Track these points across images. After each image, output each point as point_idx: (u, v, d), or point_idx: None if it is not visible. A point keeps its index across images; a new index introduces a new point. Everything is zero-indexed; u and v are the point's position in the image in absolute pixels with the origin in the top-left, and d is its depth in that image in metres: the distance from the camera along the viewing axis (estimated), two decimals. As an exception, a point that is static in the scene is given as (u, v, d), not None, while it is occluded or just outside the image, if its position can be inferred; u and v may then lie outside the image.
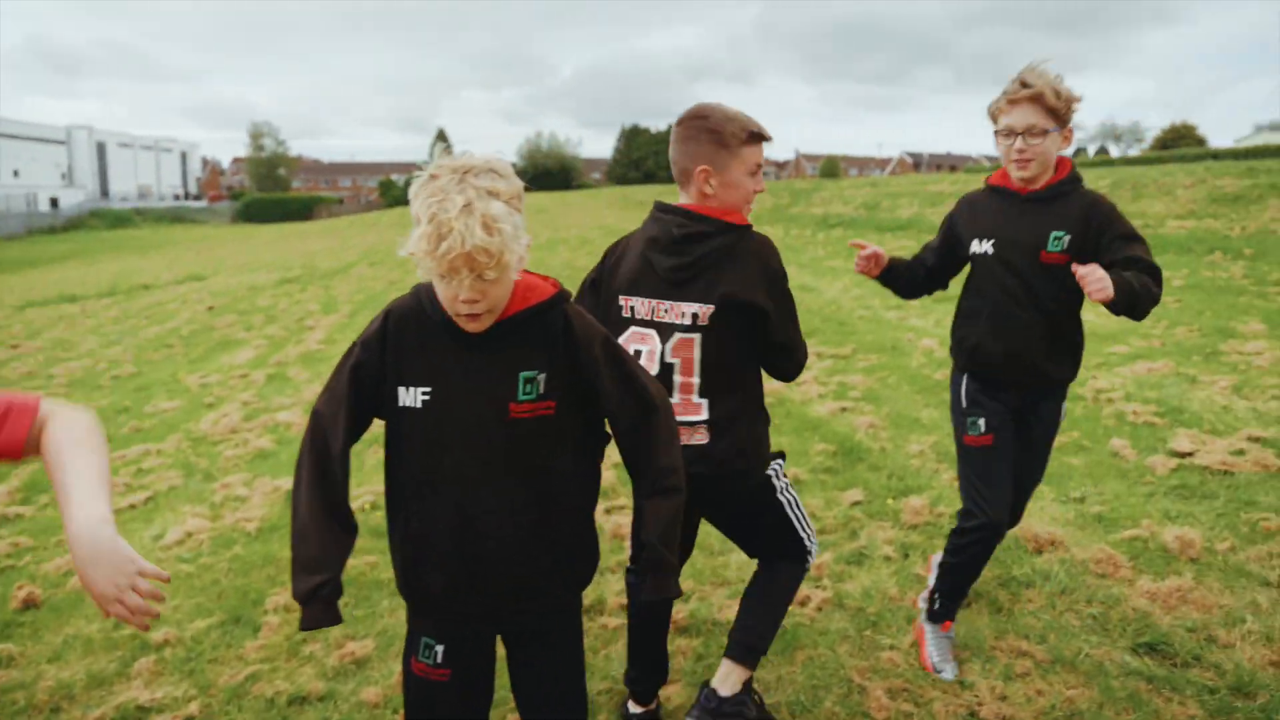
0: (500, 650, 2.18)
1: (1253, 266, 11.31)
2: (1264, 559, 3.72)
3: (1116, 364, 7.14)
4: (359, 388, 1.95)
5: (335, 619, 1.88)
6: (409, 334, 1.94)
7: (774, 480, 2.72)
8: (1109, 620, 3.34)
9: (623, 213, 36.50)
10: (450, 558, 1.95)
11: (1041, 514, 4.28)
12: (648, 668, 2.91)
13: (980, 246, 3.04)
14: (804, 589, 3.67)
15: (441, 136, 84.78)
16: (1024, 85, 2.83)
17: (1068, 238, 2.88)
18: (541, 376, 1.93)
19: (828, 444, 5.43)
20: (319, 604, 1.85)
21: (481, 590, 1.97)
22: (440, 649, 2.03)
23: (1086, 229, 2.87)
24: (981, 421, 3.06)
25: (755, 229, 2.57)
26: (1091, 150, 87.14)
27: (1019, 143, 2.86)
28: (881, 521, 4.29)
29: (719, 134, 2.48)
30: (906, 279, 3.29)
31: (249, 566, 4.30)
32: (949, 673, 3.11)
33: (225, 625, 3.75)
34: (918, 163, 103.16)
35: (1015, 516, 3.31)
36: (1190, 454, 4.91)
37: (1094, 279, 2.54)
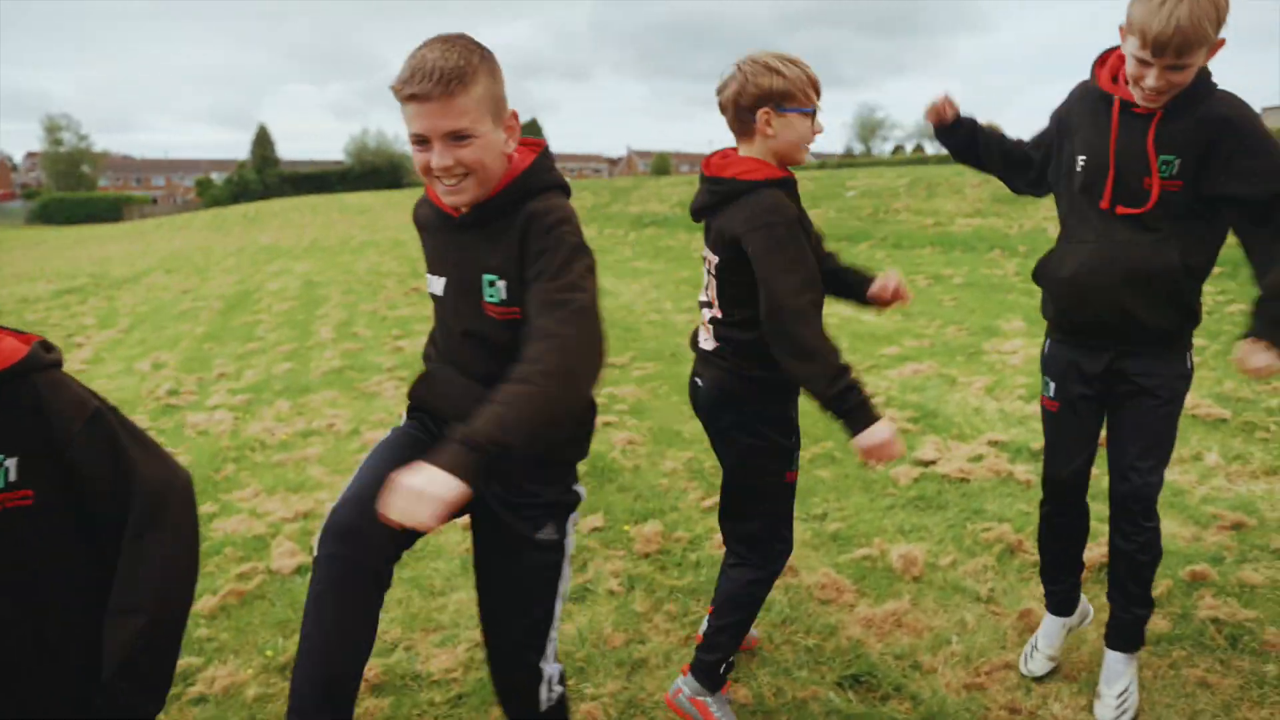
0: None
1: (1024, 264, 11.84)
2: (979, 573, 3.70)
3: (886, 366, 7.23)
4: None
5: None
6: None
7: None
8: (823, 652, 3.22)
9: (446, 212, 35.62)
10: None
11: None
12: None
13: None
14: (518, 633, 3.43)
15: (264, 132, 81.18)
16: None
17: None
18: (10, 461, 1.57)
19: (581, 464, 5.20)
20: None
21: None
22: None
23: None
24: (797, 455, 2.77)
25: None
26: (909, 147, 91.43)
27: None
28: (615, 550, 4.09)
29: None
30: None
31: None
32: None
33: None
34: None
35: None
36: (932, 462, 4.93)
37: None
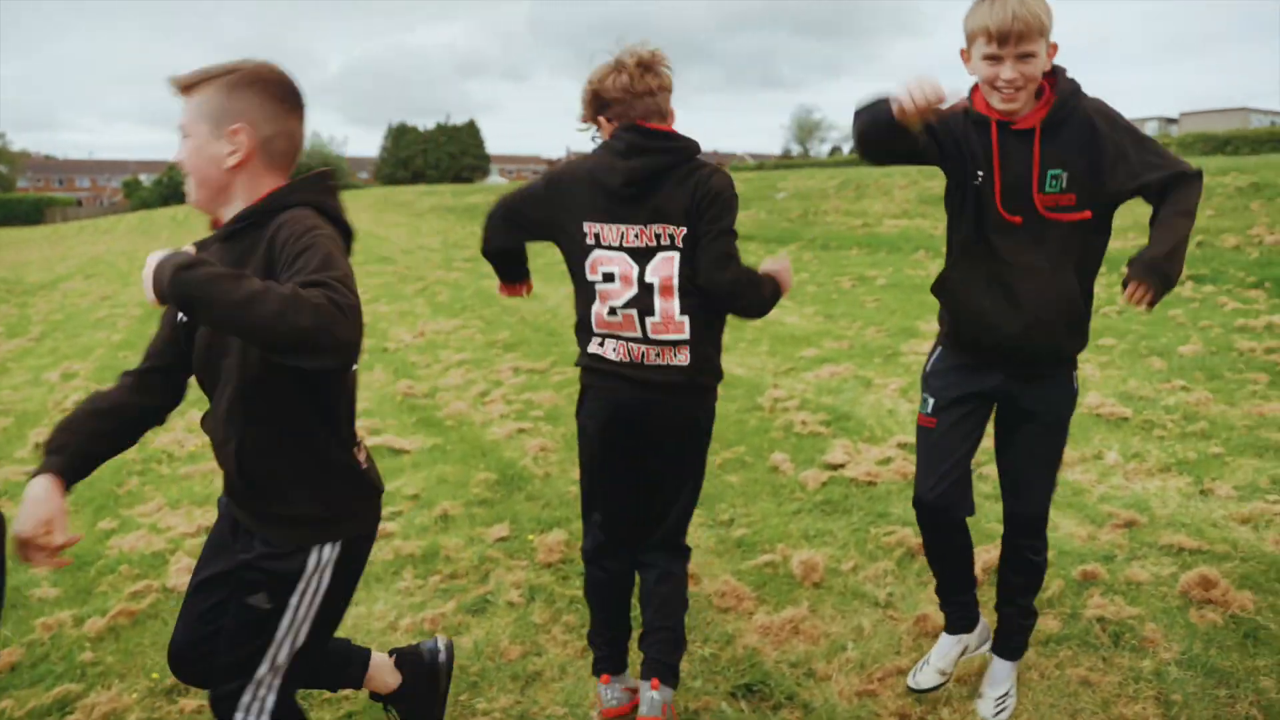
0: None
1: (947, 265, 12.03)
2: (879, 577, 3.73)
3: (804, 369, 7.29)
4: None
5: None
6: None
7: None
8: (719, 662, 3.22)
9: (380, 215, 35.23)
10: None
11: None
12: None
13: None
14: (414, 648, 3.38)
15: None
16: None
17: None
18: None
19: (490, 472, 5.16)
20: None
21: None
22: None
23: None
24: None
25: None
26: (846, 149, 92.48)
27: None
28: (518, 560, 4.05)
29: None
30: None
31: None
32: None
33: None
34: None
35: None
36: (841, 466, 4.97)
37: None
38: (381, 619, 3.64)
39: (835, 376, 6.92)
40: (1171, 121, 69.88)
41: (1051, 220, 2.49)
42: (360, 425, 6.25)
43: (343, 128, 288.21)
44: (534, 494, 4.83)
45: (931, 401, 2.77)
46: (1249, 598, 3.41)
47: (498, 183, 62.78)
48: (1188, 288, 9.85)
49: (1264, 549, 3.83)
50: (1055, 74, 2.51)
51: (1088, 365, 6.99)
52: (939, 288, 2.77)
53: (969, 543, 2.92)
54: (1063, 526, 4.15)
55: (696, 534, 4.24)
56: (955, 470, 2.72)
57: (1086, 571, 3.68)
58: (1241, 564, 3.71)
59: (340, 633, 3.55)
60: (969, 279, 2.64)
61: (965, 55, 2.49)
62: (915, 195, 17.49)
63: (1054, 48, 2.45)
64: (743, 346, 8.27)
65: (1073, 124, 2.48)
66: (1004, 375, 2.67)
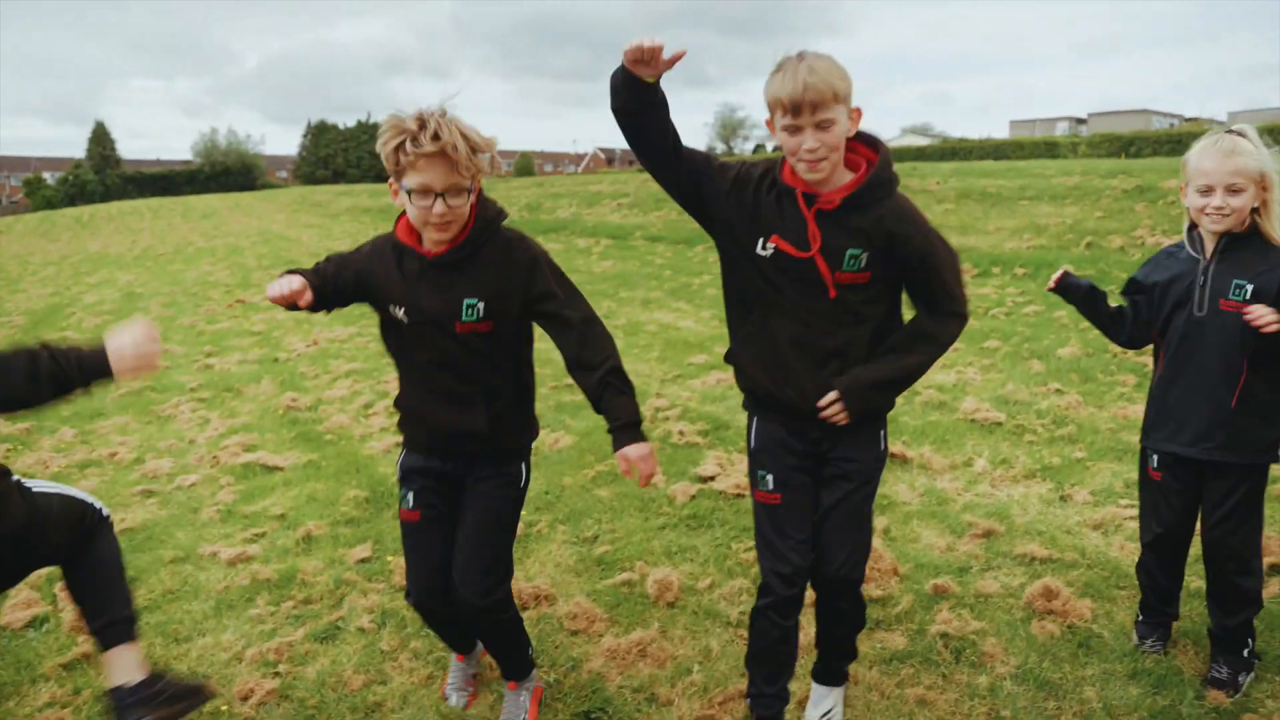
0: None
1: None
2: (734, 595, 3.71)
3: (691, 376, 7.27)
4: None
5: None
6: None
7: None
8: (561, 689, 3.16)
9: (294, 215, 34.50)
10: None
11: (546, 559, 4.11)
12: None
13: None
14: (252, 678, 3.27)
15: (102, 129, 76.82)
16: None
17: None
18: None
19: (361, 489, 5.04)
20: None
21: None
22: None
23: None
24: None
25: None
26: (770, 146, 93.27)
27: None
28: (375, 583, 3.95)
29: None
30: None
31: None
32: None
33: None
34: (610, 158, 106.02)
35: None
36: (712, 478, 4.95)
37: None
38: (228, 649, 3.51)
39: (721, 383, 6.90)
40: (1080, 122, 71.89)
41: (845, 296, 2.45)
42: (237, 441, 6.09)
43: (260, 125, 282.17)
44: (401, 513, 4.72)
45: (771, 477, 2.62)
46: (1088, 606, 3.48)
47: (419, 182, 61.69)
48: (1075, 289, 10.09)
49: (1109, 555, 3.92)
50: (877, 150, 2.45)
51: (970, 369, 7.10)
52: (735, 357, 2.67)
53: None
54: (924, 538, 4.18)
55: (559, 551, 4.19)
56: (809, 534, 2.63)
57: (938, 586, 3.70)
58: (1087, 571, 3.79)
59: (183, 665, 3.44)
60: (770, 346, 2.55)
61: (770, 124, 2.42)
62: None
63: (857, 113, 2.38)
64: (635, 352, 8.22)
65: (878, 208, 2.42)
66: (815, 433, 2.57)
